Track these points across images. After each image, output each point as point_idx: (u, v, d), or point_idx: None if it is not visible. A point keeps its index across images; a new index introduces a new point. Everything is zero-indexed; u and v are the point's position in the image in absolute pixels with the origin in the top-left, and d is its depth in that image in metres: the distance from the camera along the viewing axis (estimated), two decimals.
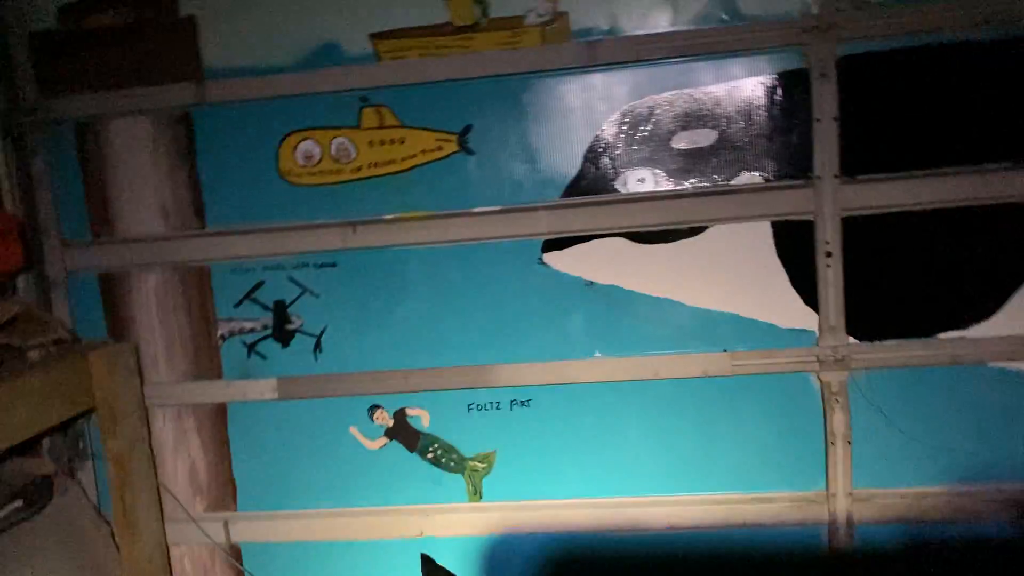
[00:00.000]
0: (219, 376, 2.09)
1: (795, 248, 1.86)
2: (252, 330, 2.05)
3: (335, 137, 1.95)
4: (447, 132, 1.93)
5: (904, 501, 1.91)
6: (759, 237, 1.87)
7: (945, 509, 1.90)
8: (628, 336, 1.94)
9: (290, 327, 2.03)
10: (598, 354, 1.95)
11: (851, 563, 1.92)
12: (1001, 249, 1.81)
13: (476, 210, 1.93)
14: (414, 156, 1.94)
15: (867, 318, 1.87)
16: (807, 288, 1.87)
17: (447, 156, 1.93)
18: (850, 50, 1.78)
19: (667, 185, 1.89)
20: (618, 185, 1.90)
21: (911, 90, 1.79)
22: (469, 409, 2.01)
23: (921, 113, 1.80)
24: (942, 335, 1.85)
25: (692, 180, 1.88)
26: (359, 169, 1.96)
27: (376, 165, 1.96)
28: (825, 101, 1.78)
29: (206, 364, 2.09)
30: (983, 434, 1.87)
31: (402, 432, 2.04)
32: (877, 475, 1.91)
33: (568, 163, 1.91)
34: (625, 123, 1.88)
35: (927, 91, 1.79)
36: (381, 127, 1.94)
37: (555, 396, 1.98)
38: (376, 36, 1.91)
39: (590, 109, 1.89)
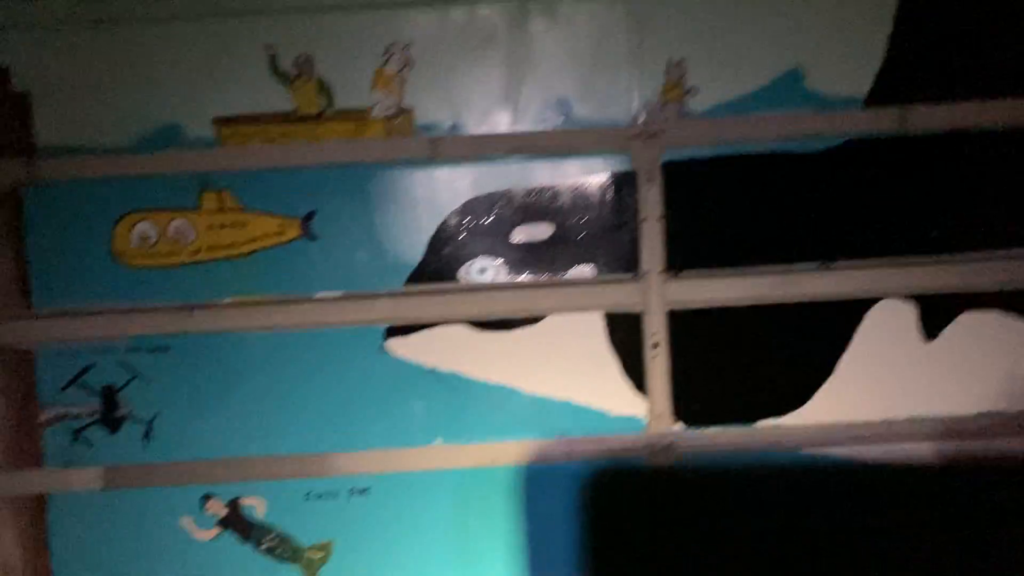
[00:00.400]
0: (40, 464, 1.98)
1: (626, 338, 1.95)
2: (78, 416, 1.97)
3: (173, 219, 1.93)
4: (290, 217, 1.93)
5: None
6: (592, 326, 1.96)
7: None
8: (468, 423, 1.97)
9: (119, 413, 1.96)
10: (438, 441, 1.97)
11: None
12: (811, 343, 1.96)
13: (318, 296, 1.94)
14: (255, 240, 1.94)
15: (694, 406, 1.96)
16: (637, 376, 1.95)
17: (289, 241, 1.94)
18: (674, 156, 1.91)
19: (506, 275, 1.95)
20: (460, 274, 1.95)
21: (731, 194, 1.93)
22: (306, 498, 1.98)
23: (740, 215, 1.94)
24: (762, 422, 1.97)
25: (530, 271, 1.95)
26: (197, 252, 1.94)
27: (215, 248, 1.94)
28: (651, 202, 1.89)
29: (27, 452, 1.98)
30: (796, 516, 1.99)
31: (236, 522, 1.98)
32: None
33: (411, 252, 1.94)
34: (467, 215, 1.94)
35: (746, 195, 1.93)
36: (221, 211, 1.93)
37: (395, 484, 1.97)
38: (219, 120, 1.91)
39: (433, 200, 1.94)
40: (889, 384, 1.96)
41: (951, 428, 1.95)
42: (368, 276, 1.94)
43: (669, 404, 1.94)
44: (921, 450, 1.96)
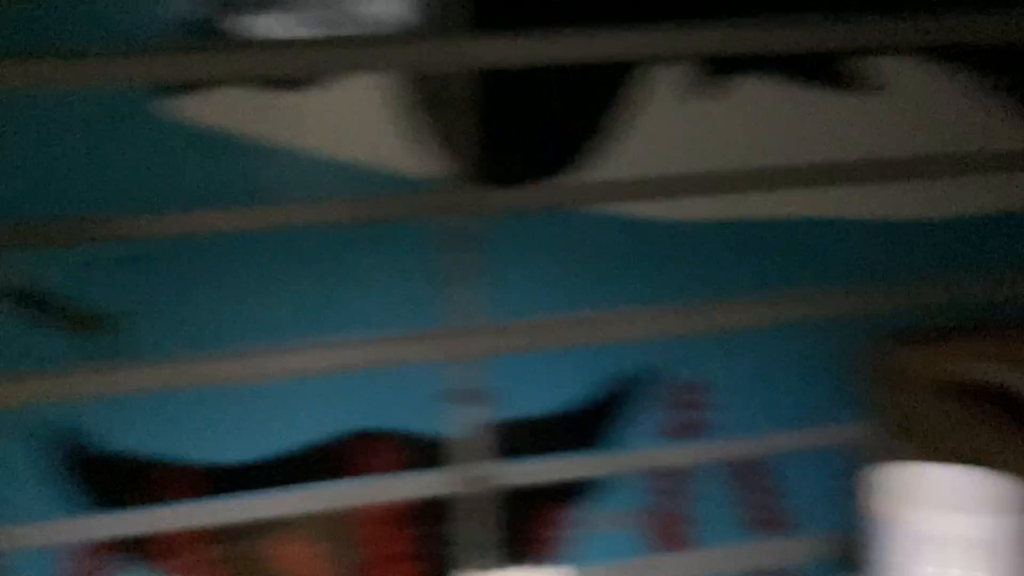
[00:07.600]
0: None
1: (428, 97, 1.87)
2: None
3: None
4: None
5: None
6: (390, 86, 1.85)
7: None
8: (250, 187, 1.87)
9: None
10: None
11: None
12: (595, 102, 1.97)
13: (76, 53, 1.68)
14: None
15: (494, 166, 1.96)
16: (439, 136, 1.91)
17: None
18: None
19: (298, 31, 1.77)
20: (241, 28, 1.75)
21: None
22: (87, 267, 1.85)
23: None
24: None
25: (321, 27, 1.78)
26: None
27: None
28: None
29: None
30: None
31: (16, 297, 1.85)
32: None
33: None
34: None
35: None
36: None
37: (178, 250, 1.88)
38: None
39: None
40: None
41: None
42: (133, 30, 1.69)
43: (472, 164, 1.92)
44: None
